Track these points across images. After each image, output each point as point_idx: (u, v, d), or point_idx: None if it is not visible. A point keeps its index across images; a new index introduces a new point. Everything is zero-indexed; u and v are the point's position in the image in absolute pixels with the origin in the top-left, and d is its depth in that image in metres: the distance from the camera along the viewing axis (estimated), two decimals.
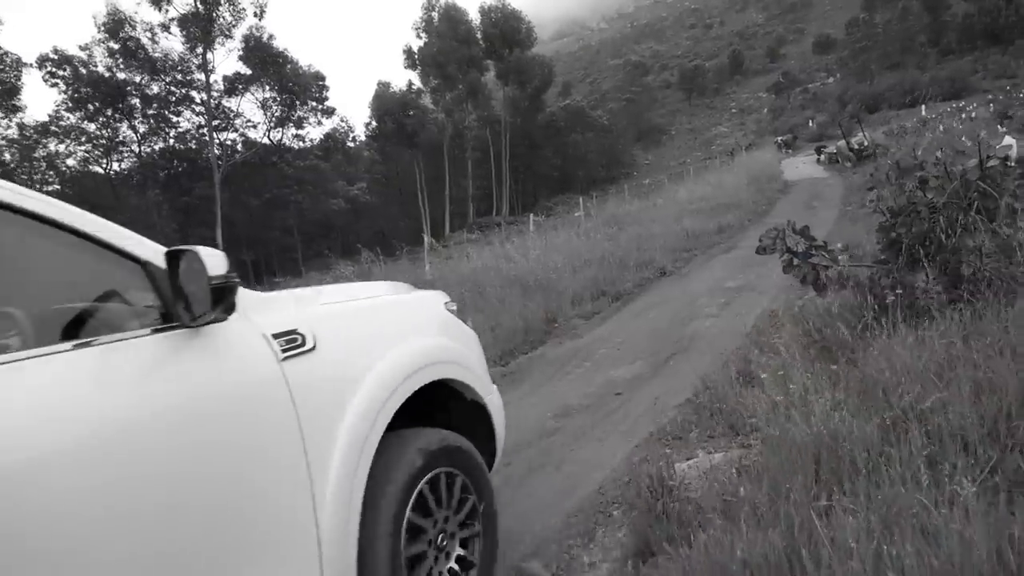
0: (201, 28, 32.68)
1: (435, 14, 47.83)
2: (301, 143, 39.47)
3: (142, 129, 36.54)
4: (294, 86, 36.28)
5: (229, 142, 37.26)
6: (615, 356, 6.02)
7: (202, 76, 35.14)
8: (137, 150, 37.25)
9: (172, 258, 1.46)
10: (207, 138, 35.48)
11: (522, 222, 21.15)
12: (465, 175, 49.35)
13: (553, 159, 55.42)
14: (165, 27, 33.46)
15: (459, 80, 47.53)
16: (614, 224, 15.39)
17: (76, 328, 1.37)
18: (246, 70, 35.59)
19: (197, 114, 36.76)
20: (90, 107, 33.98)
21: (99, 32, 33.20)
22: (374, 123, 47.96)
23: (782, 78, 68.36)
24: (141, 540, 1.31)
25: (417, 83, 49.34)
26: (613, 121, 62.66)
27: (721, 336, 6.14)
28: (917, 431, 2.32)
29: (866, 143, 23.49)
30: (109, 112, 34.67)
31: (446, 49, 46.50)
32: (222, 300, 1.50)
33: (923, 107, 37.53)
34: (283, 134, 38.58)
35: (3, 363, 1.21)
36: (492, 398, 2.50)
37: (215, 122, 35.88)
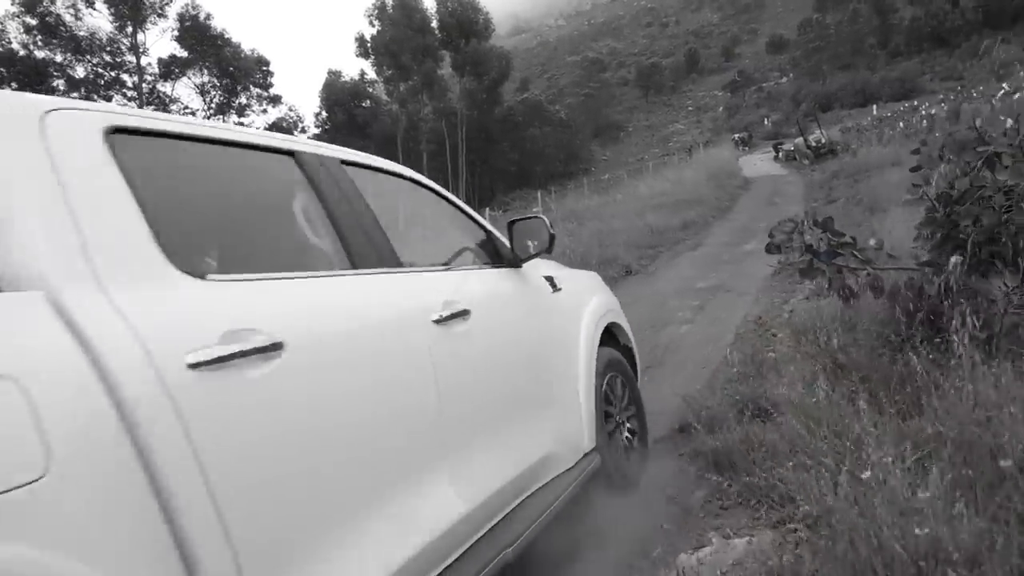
0: (130, 5, 30.35)
1: (389, 1, 46.16)
2: None
3: None
4: (235, 70, 34.20)
5: None
6: None
7: (133, 58, 32.78)
8: None
9: (511, 225, 2.54)
10: None
11: None
12: (420, 169, 47.61)
13: (510, 153, 54.29)
14: (89, 2, 30.98)
15: (414, 70, 46.04)
16: (574, 219, 14.64)
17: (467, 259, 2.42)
18: (182, 52, 33.34)
19: (129, 99, 34.23)
20: (4, 88, 31.23)
21: (13, 4, 30.52)
22: (324, 113, 46.08)
23: (738, 76, 68.98)
24: (518, 372, 2.31)
25: (370, 73, 47.68)
26: (571, 116, 61.98)
27: (700, 347, 5.22)
28: None
29: (824, 140, 23.41)
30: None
31: (400, 37, 44.94)
32: (526, 254, 2.50)
33: (875, 107, 38.04)
34: (224, 122, 36.49)
35: (471, 269, 2.33)
36: (633, 346, 3.34)
37: (149, 108, 33.59)
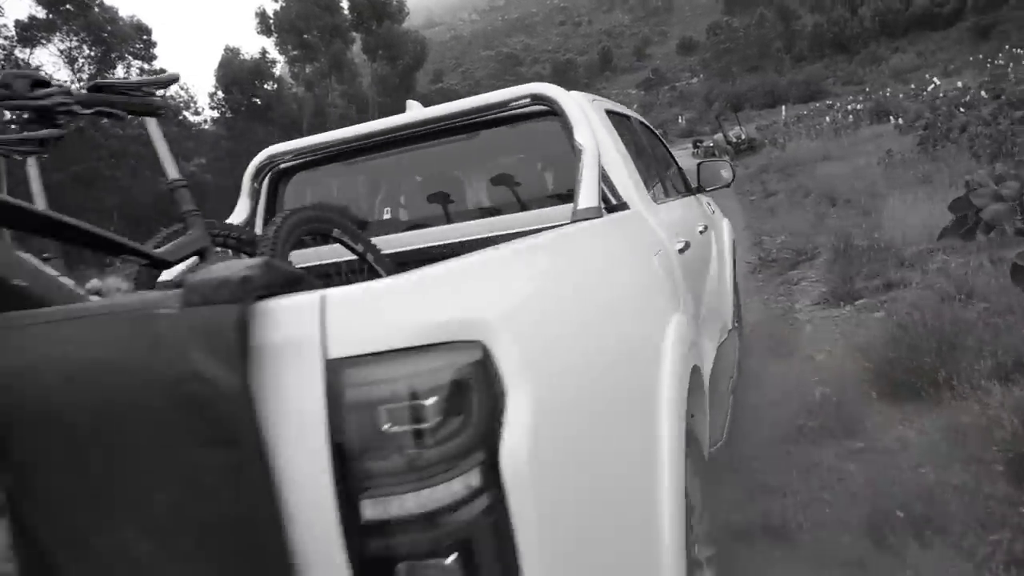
0: None
1: None
2: None
3: None
4: (108, 36, 30.05)
5: None
6: None
7: None
8: None
9: (699, 165, 3.49)
10: None
11: None
12: None
13: None
14: None
15: (321, 51, 42.90)
16: None
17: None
18: (43, 13, 28.72)
19: None
20: None
21: None
22: (220, 93, 42.06)
23: (652, 75, 69.90)
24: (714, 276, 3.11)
25: (273, 52, 44.04)
26: None
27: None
28: None
29: (744, 137, 23.41)
30: None
31: (307, 15, 41.69)
32: (712, 187, 3.49)
33: (783, 108, 39.05)
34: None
35: (673, 201, 2.80)
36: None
37: None
